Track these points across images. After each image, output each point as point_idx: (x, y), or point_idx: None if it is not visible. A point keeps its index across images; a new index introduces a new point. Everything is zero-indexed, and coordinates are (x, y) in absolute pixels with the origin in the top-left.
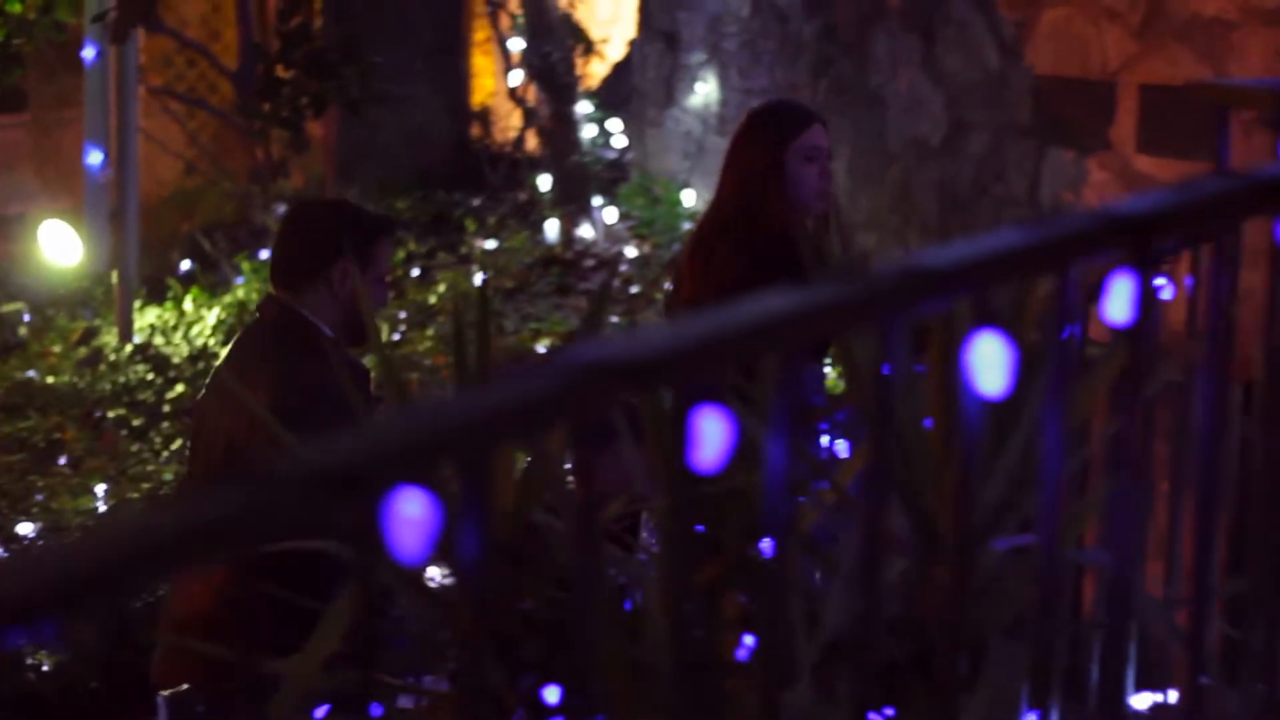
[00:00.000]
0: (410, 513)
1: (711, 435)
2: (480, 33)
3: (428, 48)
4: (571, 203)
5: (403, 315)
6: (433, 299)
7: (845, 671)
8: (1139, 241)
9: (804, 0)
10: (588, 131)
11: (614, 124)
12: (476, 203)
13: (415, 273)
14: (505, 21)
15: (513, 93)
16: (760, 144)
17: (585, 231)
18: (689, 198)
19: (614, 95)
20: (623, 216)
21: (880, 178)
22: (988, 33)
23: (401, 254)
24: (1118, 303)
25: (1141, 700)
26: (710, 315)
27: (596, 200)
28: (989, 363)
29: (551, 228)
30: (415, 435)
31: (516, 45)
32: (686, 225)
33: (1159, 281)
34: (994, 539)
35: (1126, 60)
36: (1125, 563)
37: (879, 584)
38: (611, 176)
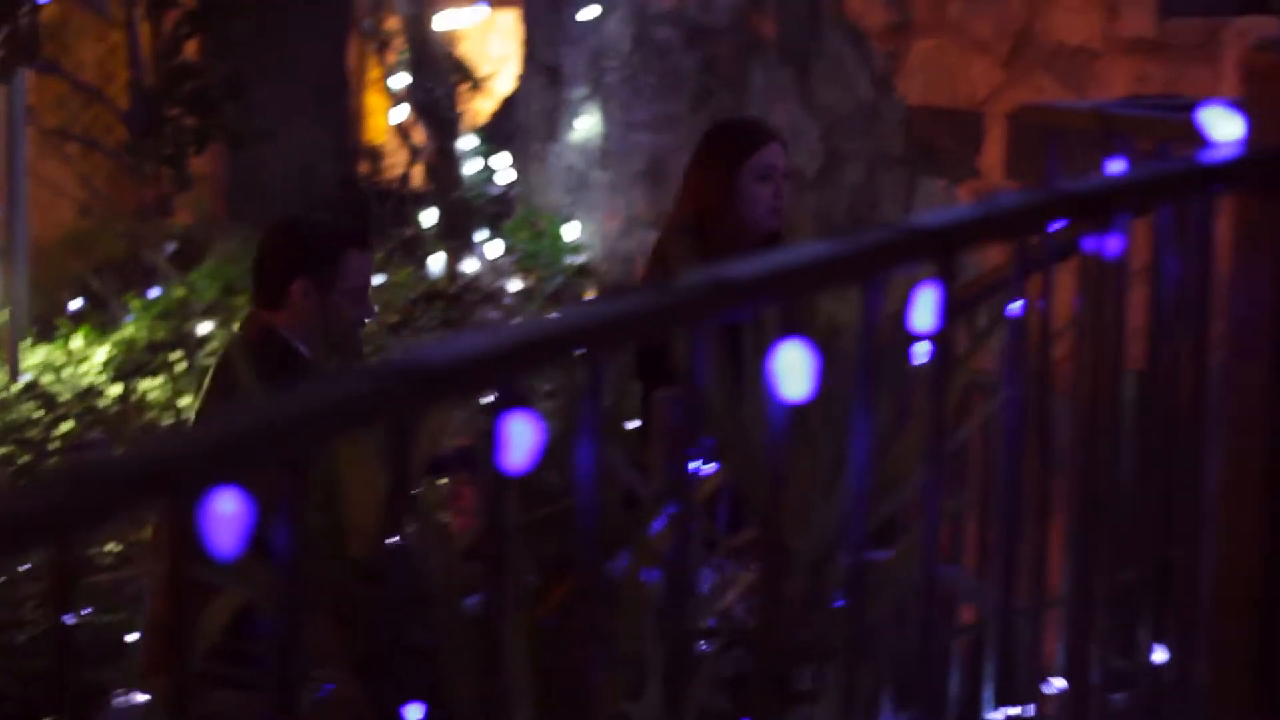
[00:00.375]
0: (227, 511)
1: (523, 438)
2: (374, 70)
3: (314, 85)
4: (456, 238)
5: None
6: None
7: (692, 683)
8: (942, 253)
9: (683, 34)
10: (473, 166)
11: (500, 159)
12: None
13: None
14: (390, 57)
15: (397, 128)
16: (715, 162)
17: (469, 266)
18: (572, 231)
19: (500, 130)
20: (507, 250)
21: None
22: (861, 65)
23: None
24: (923, 312)
25: (998, 715)
26: (525, 322)
27: (480, 235)
28: (793, 370)
29: (436, 262)
30: (230, 435)
31: (402, 82)
32: (570, 258)
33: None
34: (841, 553)
35: (994, 90)
36: (930, 567)
37: (686, 600)
38: (496, 211)
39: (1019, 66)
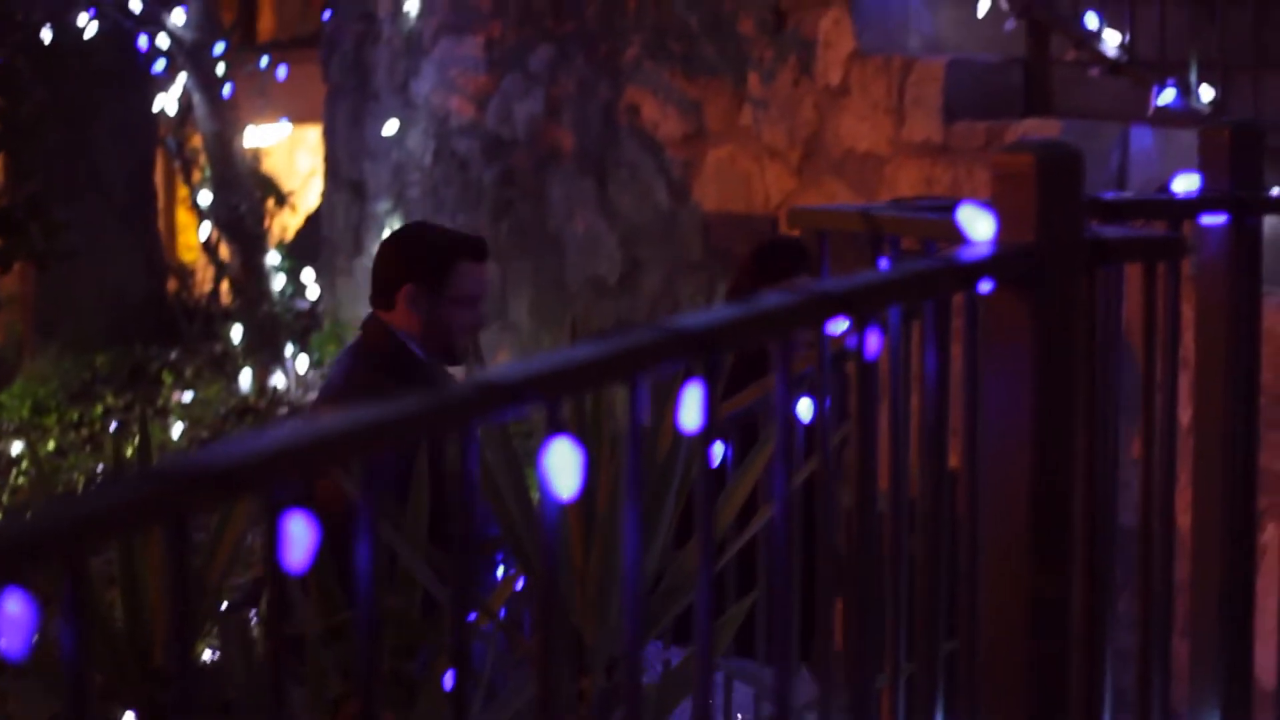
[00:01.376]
0: (10, 611)
1: (301, 538)
2: (182, 189)
3: (121, 204)
4: (264, 352)
5: (100, 468)
6: (129, 451)
7: None
8: (703, 353)
9: (483, 147)
10: (280, 282)
11: (306, 274)
12: (173, 356)
13: (113, 426)
14: (196, 175)
15: (204, 245)
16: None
17: (279, 380)
18: None
19: (307, 245)
20: (315, 364)
21: (560, 317)
22: (658, 174)
23: (99, 408)
24: (689, 410)
25: None
26: (300, 425)
27: (289, 349)
28: (563, 468)
29: (245, 378)
30: (9, 538)
31: (208, 199)
32: None
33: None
34: (642, 647)
35: (787, 195)
36: (704, 666)
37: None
38: (304, 325)
39: (810, 172)
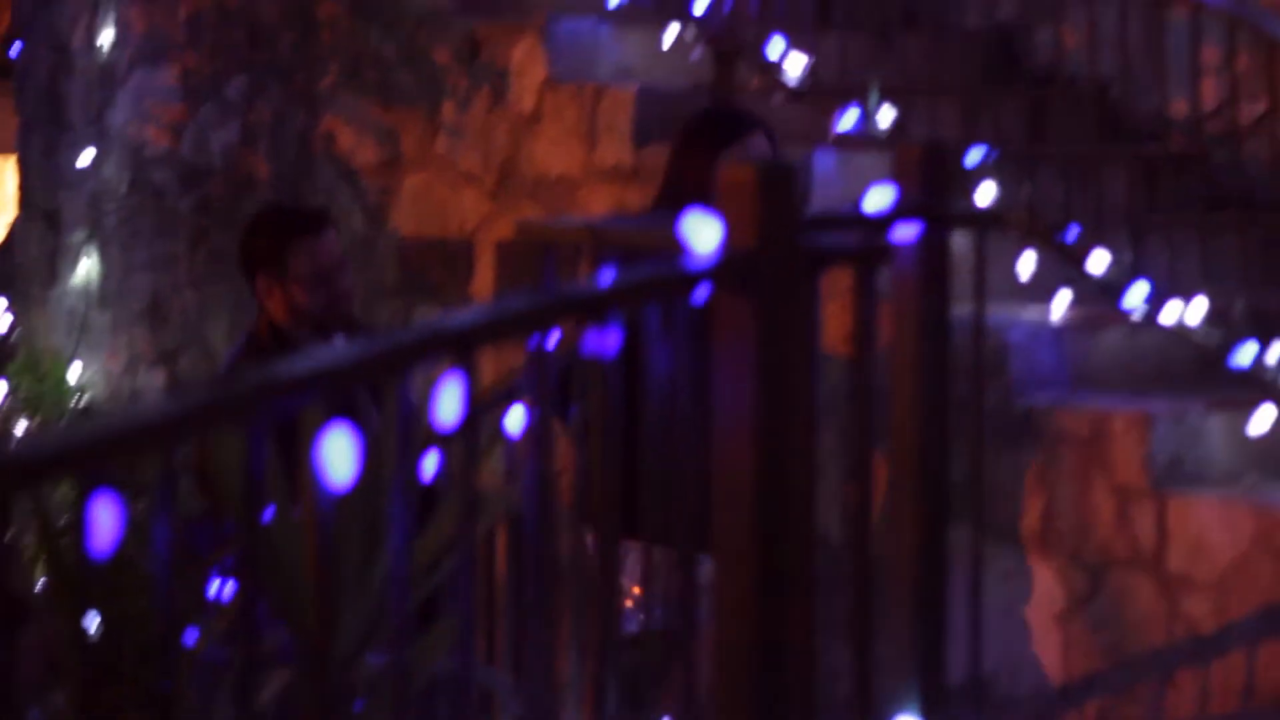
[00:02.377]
0: None
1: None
2: None
3: None
4: None
5: None
6: None
7: None
8: (462, 350)
9: (179, 176)
10: None
11: (0, 303)
12: None
13: None
14: None
15: None
16: (695, 149)
17: None
18: (76, 372)
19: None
20: (11, 393)
21: None
22: (354, 201)
23: None
24: (447, 405)
25: None
26: (99, 420)
27: None
28: (340, 457)
29: None
30: None
31: None
32: (74, 399)
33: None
34: (369, 652)
35: (483, 220)
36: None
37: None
38: None
39: (506, 197)
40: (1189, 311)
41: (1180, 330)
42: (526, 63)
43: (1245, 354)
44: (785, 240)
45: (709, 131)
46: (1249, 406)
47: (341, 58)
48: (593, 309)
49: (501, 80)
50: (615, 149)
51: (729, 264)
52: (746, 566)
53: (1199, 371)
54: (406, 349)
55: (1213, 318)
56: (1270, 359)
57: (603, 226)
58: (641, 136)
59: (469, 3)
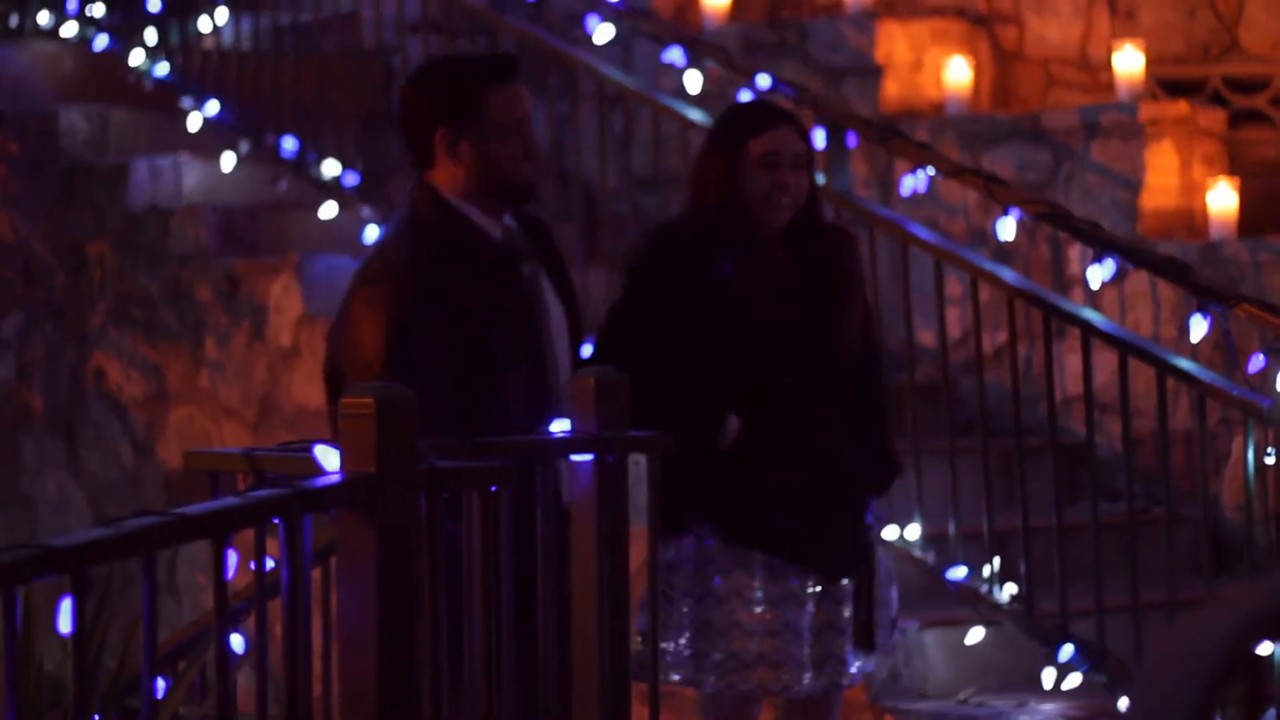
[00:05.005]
0: None
1: None
2: None
3: None
4: None
5: None
6: None
7: None
8: (75, 568)
9: None
10: None
11: None
12: None
13: None
14: None
15: None
16: (715, 148)
17: None
18: None
19: None
20: None
21: None
22: (123, 433)
23: None
24: (65, 620)
25: None
26: None
27: None
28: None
29: None
30: None
31: None
32: None
33: None
34: None
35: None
36: None
37: None
38: None
39: (266, 429)
40: (907, 531)
41: (902, 546)
42: (284, 299)
43: (957, 573)
44: (405, 462)
45: (738, 122)
46: (966, 624)
47: (110, 296)
48: (207, 528)
49: (260, 316)
50: None
51: (350, 484)
52: None
53: (921, 589)
54: (16, 566)
55: (931, 539)
56: (984, 577)
57: (257, 453)
58: None
59: (228, 241)
